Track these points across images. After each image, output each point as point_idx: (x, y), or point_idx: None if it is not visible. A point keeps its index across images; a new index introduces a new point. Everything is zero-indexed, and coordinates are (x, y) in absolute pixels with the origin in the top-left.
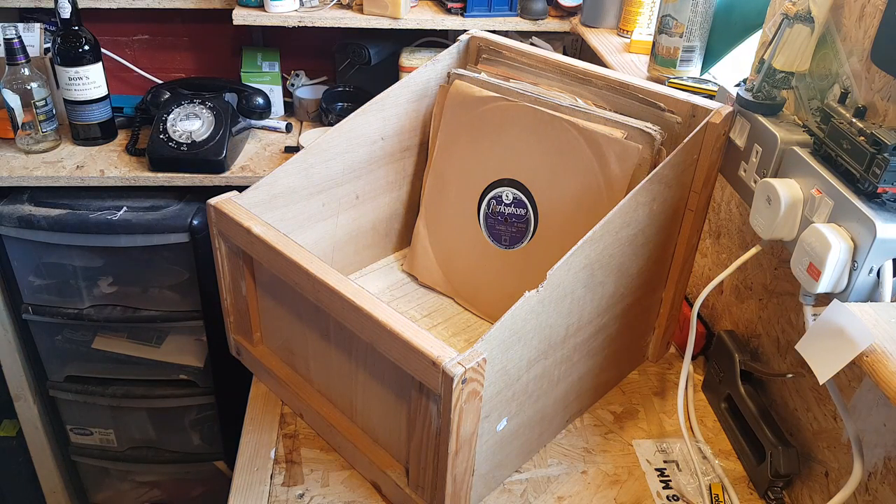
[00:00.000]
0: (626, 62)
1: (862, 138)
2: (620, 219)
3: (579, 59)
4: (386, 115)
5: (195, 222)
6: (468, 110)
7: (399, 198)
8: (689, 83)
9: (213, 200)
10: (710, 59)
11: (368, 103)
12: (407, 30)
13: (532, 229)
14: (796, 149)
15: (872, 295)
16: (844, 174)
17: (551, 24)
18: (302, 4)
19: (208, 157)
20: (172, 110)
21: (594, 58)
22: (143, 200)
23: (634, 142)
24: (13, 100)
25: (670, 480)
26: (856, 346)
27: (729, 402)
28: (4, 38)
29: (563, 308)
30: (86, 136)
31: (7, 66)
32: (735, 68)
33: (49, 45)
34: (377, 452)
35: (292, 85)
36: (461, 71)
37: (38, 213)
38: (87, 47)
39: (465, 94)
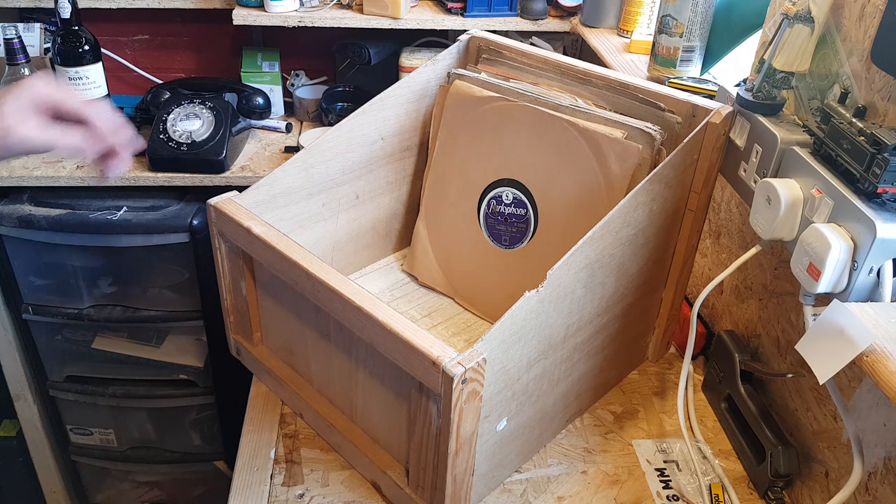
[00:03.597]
0: (626, 62)
1: (862, 138)
2: (620, 219)
3: (579, 59)
4: (386, 115)
5: (195, 222)
6: (468, 110)
7: (399, 198)
8: (689, 83)
9: (213, 200)
10: (710, 59)
11: (368, 103)
12: (407, 30)
13: (532, 229)
14: (796, 149)
15: (872, 295)
16: (844, 174)
17: (551, 24)
18: (302, 4)
19: (208, 157)
20: (172, 110)
21: (594, 58)
22: (143, 200)
23: (634, 142)
24: None
25: (670, 480)
26: (856, 346)
27: (729, 402)
28: (4, 38)
29: (563, 308)
30: None
31: (7, 66)
32: (735, 68)
33: (49, 45)
34: (377, 452)
35: (292, 85)
36: (461, 71)
37: (38, 213)
38: (87, 47)
39: (465, 94)
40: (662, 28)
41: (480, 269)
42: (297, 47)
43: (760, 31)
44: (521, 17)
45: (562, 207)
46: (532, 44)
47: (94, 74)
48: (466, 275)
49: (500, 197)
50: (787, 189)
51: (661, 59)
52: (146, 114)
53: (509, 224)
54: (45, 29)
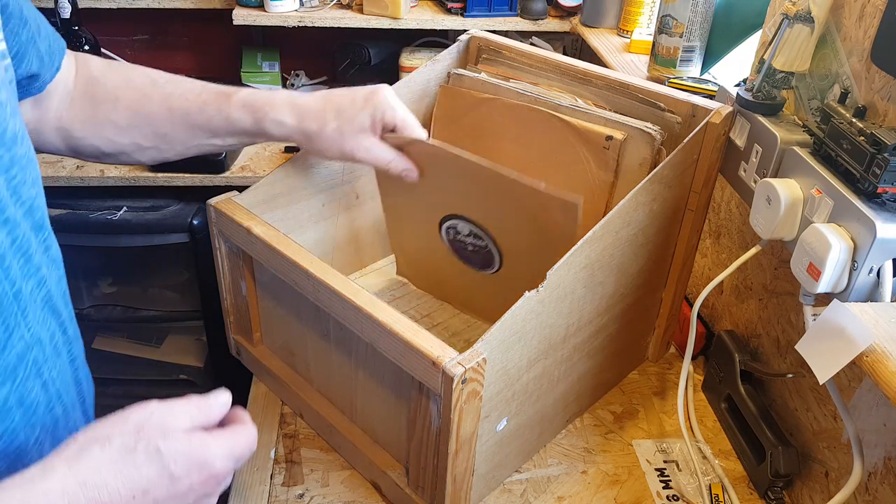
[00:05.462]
0: (626, 62)
1: (862, 138)
2: (620, 219)
3: (579, 59)
4: None
5: (195, 222)
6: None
7: None
8: (689, 83)
9: (213, 200)
10: (710, 59)
11: None
12: (407, 30)
13: None
14: (796, 149)
15: (872, 295)
16: (844, 174)
17: (551, 24)
18: (302, 4)
19: (208, 156)
20: None
21: (594, 58)
22: (143, 200)
23: (633, 141)
24: None
25: (670, 480)
26: (856, 346)
27: (729, 402)
28: None
29: (563, 308)
30: None
31: None
32: (735, 68)
33: None
34: (377, 452)
35: (292, 85)
36: (461, 71)
37: None
38: (87, 47)
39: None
40: (662, 28)
41: (468, 282)
42: (297, 47)
43: (760, 31)
44: (521, 17)
45: None
46: (532, 44)
47: None
48: (456, 287)
49: None
50: (787, 189)
51: (661, 59)
52: None
53: None
54: None
